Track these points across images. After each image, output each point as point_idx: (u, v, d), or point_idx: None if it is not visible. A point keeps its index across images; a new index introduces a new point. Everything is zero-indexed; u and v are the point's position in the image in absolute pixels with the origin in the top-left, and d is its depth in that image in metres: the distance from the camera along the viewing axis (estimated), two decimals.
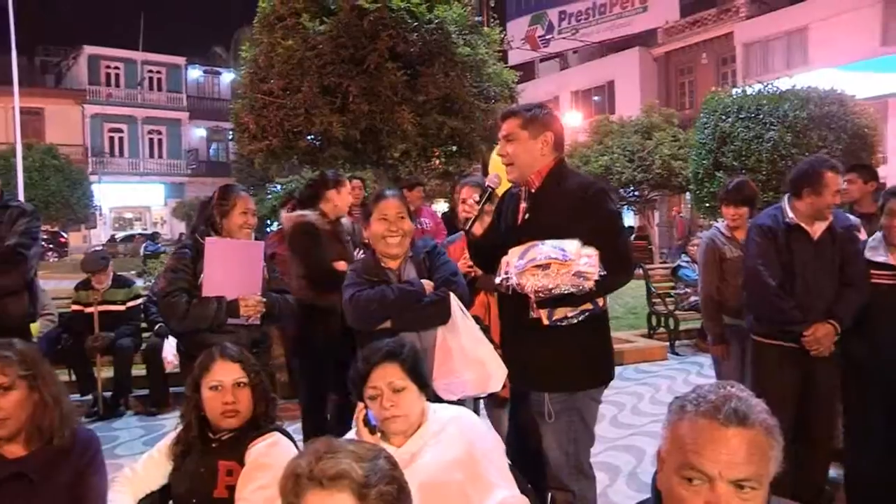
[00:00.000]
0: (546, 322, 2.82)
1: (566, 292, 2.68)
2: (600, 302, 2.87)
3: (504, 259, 2.86)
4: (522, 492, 2.39)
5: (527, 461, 3.06)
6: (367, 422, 2.42)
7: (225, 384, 2.52)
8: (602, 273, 2.69)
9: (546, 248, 2.73)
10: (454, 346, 3.09)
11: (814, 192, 3.60)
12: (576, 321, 2.81)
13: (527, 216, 2.98)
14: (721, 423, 1.40)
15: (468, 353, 3.09)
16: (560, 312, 2.80)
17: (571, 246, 2.71)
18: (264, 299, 3.73)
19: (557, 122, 3.04)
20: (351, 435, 2.54)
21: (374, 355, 2.39)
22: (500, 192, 3.22)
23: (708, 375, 7.09)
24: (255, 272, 3.75)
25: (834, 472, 3.99)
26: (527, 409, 3.04)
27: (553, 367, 2.88)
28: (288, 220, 4.95)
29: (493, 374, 3.11)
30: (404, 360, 2.41)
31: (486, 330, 3.34)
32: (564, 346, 2.85)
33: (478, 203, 3.08)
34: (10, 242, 3.91)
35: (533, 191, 2.97)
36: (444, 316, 3.12)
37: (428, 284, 3.18)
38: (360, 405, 2.46)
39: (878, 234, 3.79)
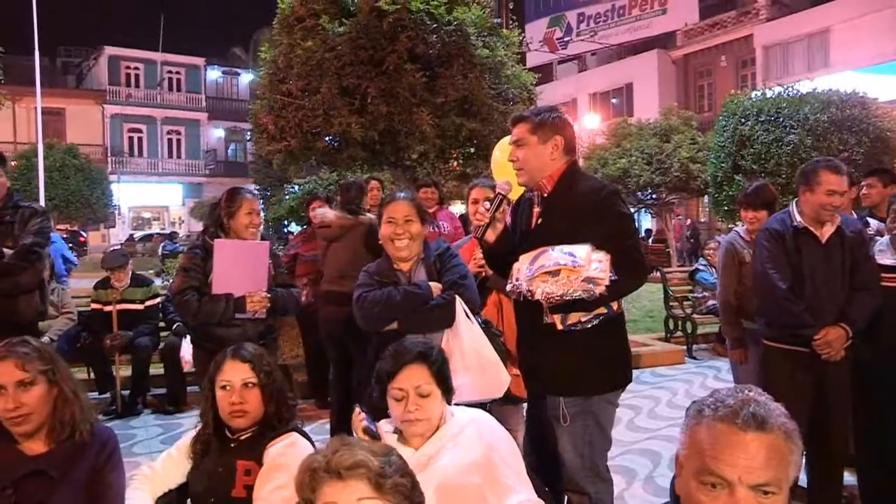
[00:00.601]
0: (560, 327, 2.81)
1: (577, 298, 2.66)
2: (614, 306, 2.85)
3: (515, 265, 2.85)
4: (539, 495, 2.38)
5: (544, 462, 3.05)
6: (366, 430, 2.44)
7: (234, 384, 2.53)
8: (613, 278, 2.67)
9: (555, 254, 2.72)
10: (454, 348, 3.07)
11: (808, 188, 3.60)
12: (590, 325, 2.80)
13: (540, 220, 2.97)
14: (740, 428, 1.39)
15: (467, 357, 3.06)
16: (574, 317, 2.79)
17: (581, 251, 2.70)
18: (269, 295, 4.00)
19: (568, 125, 3.02)
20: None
21: (405, 355, 2.39)
22: (512, 197, 3.21)
23: (726, 379, 7.05)
24: (261, 270, 4.02)
25: (848, 476, 3.95)
26: (544, 410, 3.03)
27: (568, 372, 2.87)
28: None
29: (493, 381, 3.09)
30: (433, 363, 2.41)
31: (496, 335, 3.32)
32: (579, 351, 2.84)
33: (488, 210, 3.07)
34: (26, 242, 4.06)
35: (545, 195, 2.97)
36: (448, 319, 3.11)
37: (436, 287, 3.18)
38: (358, 412, 2.47)
39: (886, 238, 3.78)
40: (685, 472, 1.47)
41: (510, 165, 3.10)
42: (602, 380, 2.91)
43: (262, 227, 4.34)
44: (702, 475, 1.41)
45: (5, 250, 4.02)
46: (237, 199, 4.07)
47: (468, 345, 3.10)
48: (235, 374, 2.54)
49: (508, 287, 2.86)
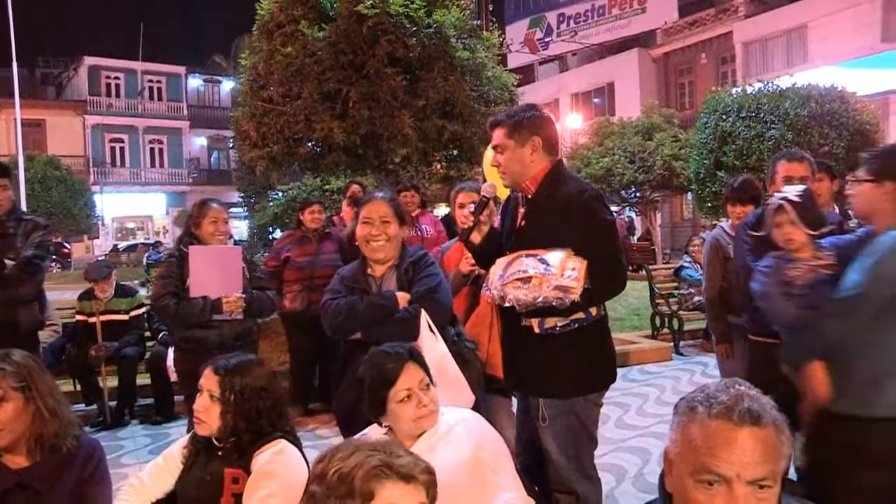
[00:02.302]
0: (537, 330, 2.81)
1: (548, 305, 2.66)
2: (592, 311, 2.83)
3: (491, 269, 2.85)
4: (529, 494, 2.38)
5: (534, 462, 3.04)
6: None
7: (202, 391, 2.53)
8: (587, 287, 2.66)
9: (529, 261, 2.72)
10: None
11: (771, 182, 3.75)
12: (568, 329, 2.79)
13: (524, 221, 2.97)
14: (735, 424, 1.39)
15: (434, 377, 2.81)
16: (551, 321, 2.79)
17: (555, 259, 2.69)
18: (244, 296, 4.28)
19: (547, 124, 2.99)
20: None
21: (398, 359, 2.40)
22: (501, 198, 3.21)
23: (713, 375, 7.08)
24: (235, 273, 4.31)
25: None
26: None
27: (546, 374, 2.86)
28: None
29: (456, 398, 2.95)
30: (418, 358, 2.45)
31: (469, 348, 3.29)
32: (558, 354, 2.83)
33: (473, 213, 3.06)
34: (28, 254, 4.23)
35: (529, 196, 2.96)
36: (411, 334, 2.99)
37: (402, 297, 3.10)
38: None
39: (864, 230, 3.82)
40: (678, 470, 1.47)
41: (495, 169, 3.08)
42: (581, 382, 2.89)
43: (230, 235, 4.76)
44: (699, 474, 1.40)
45: (7, 262, 4.15)
46: (202, 210, 4.42)
47: (431, 361, 2.95)
48: (206, 382, 2.53)
49: (483, 292, 2.86)
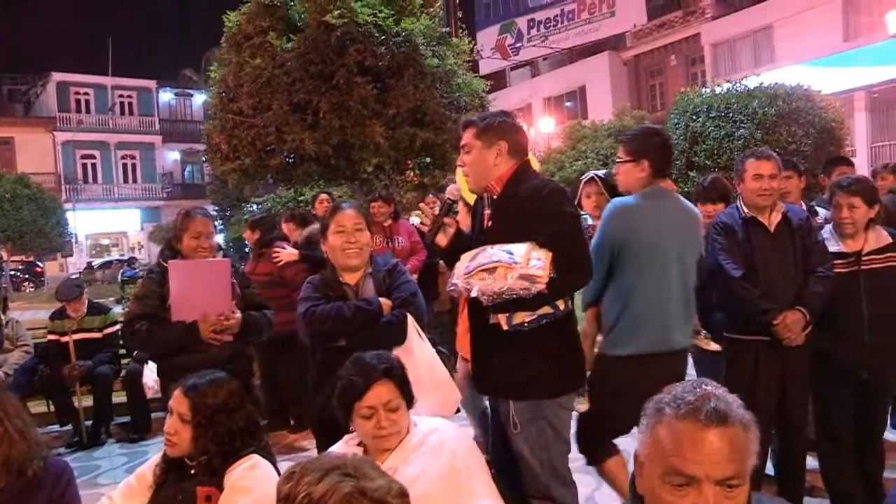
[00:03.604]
0: (505, 327, 2.78)
1: (514, 296, 2.65)
2: (560, 305, 2.82)
3: (457, 264, 2.85)
4: (505, 501, 2.38)
5: (508, 467, 3.03)
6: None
7: (173, 412, 2.50)
8: (552, 276, 2.66)
9: (493, 251, 2.71)
10: (410, 370, 3.02)
11: (740, 180, 3.75)
12: (536, 325, 2.77)
13: (489, 222, 2.98)
14: (703, 425, 1.39)
15: (423, 379, 2.99)
16: (519, 317, 2.77)
17: (520, 249, 2.69)
18: (237, 315, 3.75)
19: (515, 129, 3.01)
20: (338, 447, 2.53)
21: (371, 374, 2.38)
22: (470, 201, 3.21)
23: (689, 374, 7.11)
24: (223, 289, 3.76)
25: (811, 461, 4.02)
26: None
27: (516, 376, 2.85)
28: None
29: (446, 400, 3.10)
30: (396, 377, 2.42)
31: (442, 352, 3.32)
32: (527, 353, 2.82)
33: (436, 216, 3.06)
34: None
35: (494, 197, 2.97)
36: (400, 337, 3.07)
37: (386, 304, 3.14)
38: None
39: (828, 227, 3.88)
40: (647, 472, 1.47)
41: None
42: (552, 384, 2.88)
43: (214, 249, 4.08)
44: (668, 476, 1.41)
45: None
46: (184, 222, 3.89)
47: (421, 364, 3.06)
48: (176, 404, 2.50)
49: (448, 287, 2.85)
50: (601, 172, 4.63)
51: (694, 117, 12.44)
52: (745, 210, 3.74)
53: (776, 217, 3.71)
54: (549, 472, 2.88)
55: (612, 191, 4.07)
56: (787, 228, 3.70)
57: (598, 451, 3.55)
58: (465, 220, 3.78)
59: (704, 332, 4.26)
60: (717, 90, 12.89)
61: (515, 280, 2.62)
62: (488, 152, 2.93)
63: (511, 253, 2.67)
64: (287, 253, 5.96)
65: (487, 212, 3.00)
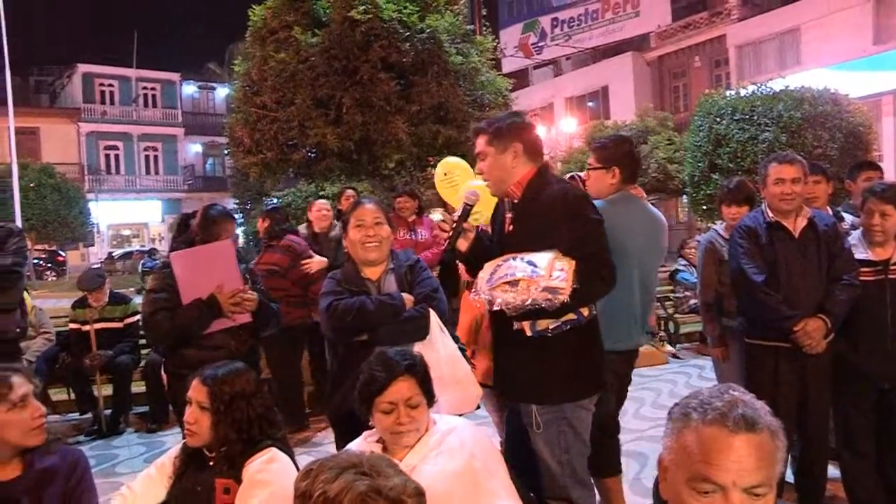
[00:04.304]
0: (529, 333, 2.78)
1: (538, 308, 2.64)
2: (584, 312, 2.82)
3: (479, 273, 2.84)
4: (525, 501, 2.36)
5: (524, 470, 3.02)
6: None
7: (192, 402, 2.51)
8: (576, 287, 2.64)
9: (516, 263, 2.70)
10: (432, 365, 3.05)
11: (763, 184, 3.74)
12: (560, 332, 2.77)
13: (511, 227, 2.96)
14: (730, 431, 1.37)
15: (445, 374, 3.02)
16: (542, 324, 2.76)
17: (543, 261, 2.67)
18: (253, 294, 3.71)
19: (528, 130, 2.99)
20: (353, 445, 2.53)
21: (393, 369, 2.37)
22: (484, 206, 3.22)
23: (709, 378, 7.07)
24: (231, 269, 3.72)
25: (832, 470, 3.97)
26: (521, 417, 3.00)
27: (539, 380, 2.85)
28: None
29: (469, 395, 3.10)
30: (419, 374, 2.41)
31: (463, 352, 3.32)
32: (550, 358, 2.81)
33: (457, 221, 3.04)
34: (6, 262, 4.20)
35: (515, 201, 2.96)
36: (422, 332, 3.08)
37: (408, 299, 3.14)
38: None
39: (857, 233, 3.82)
40: (673, 478, 1.45)
41: (445, 184, 3.14)
42: (574, 387, 2.88)
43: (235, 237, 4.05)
44: (694, 482, 1.39)
45: None
46: (213, 226, 3.84)
47: (443, 359, 3.08)
48: (195, 393, 2.52)
49: (472, 296, 2.84)
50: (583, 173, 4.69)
51: (718, 119, 12.35)
52: (770, 214, 3.70)
53: (801, 222, 3.66)
54: (567, 474, 2.88)
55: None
56: (813, 234, 3.65)
57: (603, 465, 3.57)
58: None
59: (661, 333, 4.30)
60: (742, 92, 12.77)
61: (539, 292, 2.61)
62: (503, 156, 2.92)
63: (534, 265, 2.66)
64: (317, 261, 5.98)
65: (509, 215, 2.99)
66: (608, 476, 3.63)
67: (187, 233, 3.97)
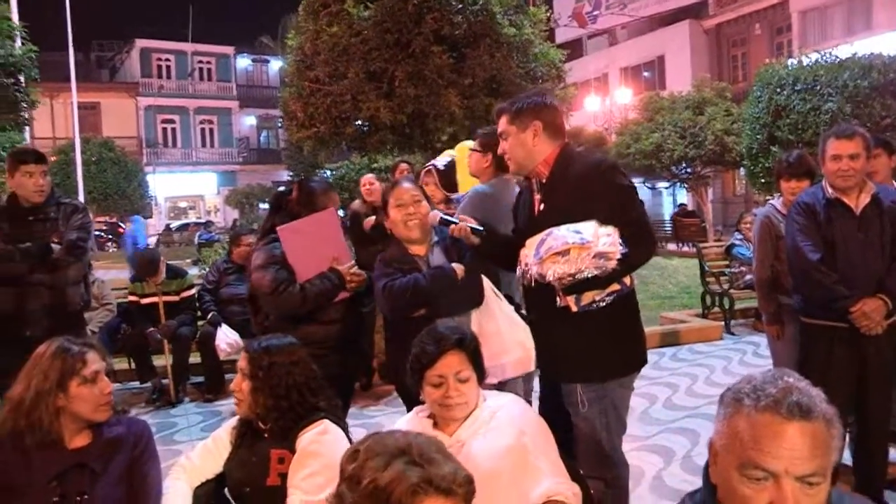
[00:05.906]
0: (575, 308, 2.75)
1: (590, 276, 2.61)
2: (627, 281, 2.81)
3: (522, 251, 2.82)
4: (574, 479, 2.37)
5: (564, 442, 3.01)
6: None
7: (239, 371, 2.61)
8: (624, 251, 2.62)
9: (562, 233, 2.66)
10: (492, 329, 3.12)
11: (822, 159, 3.62)
12: (605, 304, 2.75)
13: (542, 206, 2.94)
14: (784, 418, 1.35)
15: (505, 335, 3.14)
16: (588, 297, 2.74)
17: (588, 228, 2.64)
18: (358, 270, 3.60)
19: (549, 108, 2.96)
20: (404, 420, 2.56)
21: (443, 343, 2.39)
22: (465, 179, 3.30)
23: (764, 355, 6.95)
24: (337, 237, 3.63)
25: (893, 453, 3.89)
26: (556, 397, 2.99)
27: (584, 358, 2.82)
28: None
29: (530, 354, 3.14)
30: (469, 348, 2.43)
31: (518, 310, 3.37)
32: (595, 334, 2.79)
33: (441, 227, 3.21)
34: (72, 238, 4.40)
35: (544, 181, 2.94)
36: (478, 298, 3.21)
37: (459, 268, 3.21)
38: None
39: None
40: (723, 462, 1.44)
41: (464, 165, 3.60)
42: (618, 363, 2.87)
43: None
44: (745, 469, 1.37)
45: (53, 245, 4.33)
46: (317, 197, 3.68)
47: (502, 320, 3.19)
48: (242, 362, 2.61)
49: (518, 273, 2.82)
50: (440, 162, 4.96)
51: (778, 90, 11.96)
52: (830, 190, 3.59)
53: (864, 198, 3.54)
54: (606, 453, 2.87)
55: (449, 186, 4.73)
56: (877, 211, 3.52)
57: None
58: (436, 194, 4.58)
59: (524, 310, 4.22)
60: (805, 61, 12.35)
61: (591, 259, 2.58)
62: (524, 135, 2.91)
63: (580, 233, 2.63)
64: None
65: (538, 196, 2.96)
66: None
67: (288, 208, 3.73)
